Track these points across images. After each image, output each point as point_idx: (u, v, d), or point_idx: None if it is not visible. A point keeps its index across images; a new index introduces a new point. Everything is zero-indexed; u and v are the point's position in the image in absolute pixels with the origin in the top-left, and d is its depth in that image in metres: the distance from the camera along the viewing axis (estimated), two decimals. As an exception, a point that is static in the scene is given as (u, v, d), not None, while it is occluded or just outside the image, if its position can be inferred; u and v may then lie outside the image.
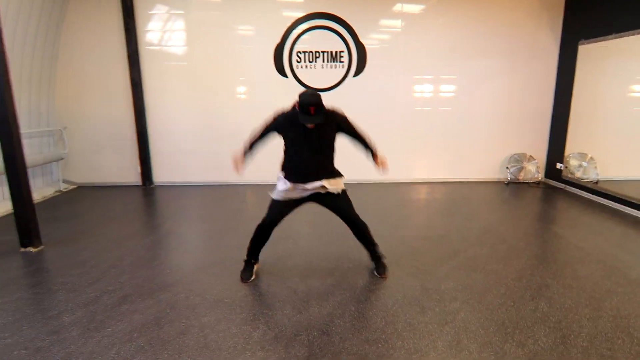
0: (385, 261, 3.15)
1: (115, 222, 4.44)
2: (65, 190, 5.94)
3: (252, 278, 3.03)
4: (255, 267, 3.12)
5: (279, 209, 2.93)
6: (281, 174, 2.92)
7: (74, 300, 2.71)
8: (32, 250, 3.61)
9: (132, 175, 6.19)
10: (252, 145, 2.93)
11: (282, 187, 2.87)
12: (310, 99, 2.57)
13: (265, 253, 3.44)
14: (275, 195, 2.92)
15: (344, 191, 2.94)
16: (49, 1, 5.21)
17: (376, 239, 3.76)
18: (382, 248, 3.53)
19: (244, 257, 3.10)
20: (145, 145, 5.99)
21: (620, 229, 4.13)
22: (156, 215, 4.76)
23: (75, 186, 6.17)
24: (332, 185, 2.86)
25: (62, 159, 5.87)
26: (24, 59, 5.10)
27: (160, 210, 5.02)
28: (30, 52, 5.18)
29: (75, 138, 6.04)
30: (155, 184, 6.24)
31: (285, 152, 2.91)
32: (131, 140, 6.04)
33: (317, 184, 2.83)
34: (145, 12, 5.70)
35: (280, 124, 2.82)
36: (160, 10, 5.71)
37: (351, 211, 2.97)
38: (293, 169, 2.87)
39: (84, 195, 5.70)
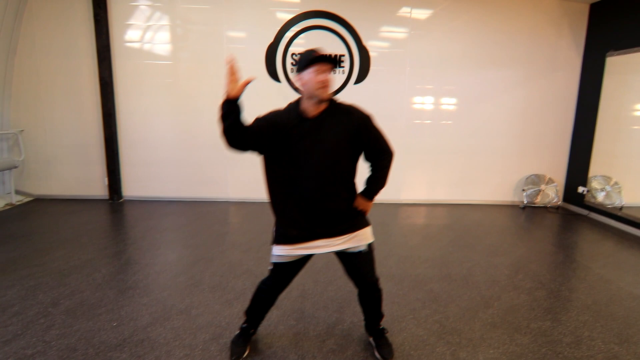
0: (389, 336, 2.25)
1: (66, 246, 3.64)
2: (18, 203, 5.11)
3: (246, 354, 2.12)
4: (252, 339, 2.23)
5: (286, 273, 2.03)
6: (273, 232, 2.00)
7: (-31, 373, 1.92)
8: (-55, 286, 2.80)
9: (98, 187, 5.37)
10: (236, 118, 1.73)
11: (278, 252, 1.97)
12: (314, 49, 1.80)
13: (246, 297, 2.70)
14: (275, 258, 1.99)
15: (370, 246, 2.01)
16: (5, -16, 4.47)
17: (385, 279, 3.07)
18: (393, 291, 2.85)
19: (242, 322, 2.20)
20: (114, 154, 5.20)
21: (672, 270, 3.48)
22: (118, 239, 3.96)
23: (31, 199, 5.33)
24: (358, 242, 1.96)
25: (15, 166, 5.04)
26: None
27: (124, 232, 4.22)
28: (-20, 42, 4.42)
29: (33, 143, 5.23)
30: (125, 198, 5.44)
31: (273, 184, 1.90)
32: (98, 148, 5.25)
33: (332, 246, 1.92)
34: (119, 3, 4.98)
35: (270, 122, 1.80)
36: (138, 2, 5.00)
37: (372, 274, 2.02)
38: (289, 215, 1.89)
39: (39, 210, 4.87)
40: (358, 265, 2.00)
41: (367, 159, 2.00)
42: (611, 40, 4.88)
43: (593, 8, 5.20)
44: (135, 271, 3.16)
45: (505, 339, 2.33)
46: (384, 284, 2.97)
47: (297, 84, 1.83)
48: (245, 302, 2.66)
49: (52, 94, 5.13)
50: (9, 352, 2.09)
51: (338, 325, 2.43)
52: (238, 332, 2.21)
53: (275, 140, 1.80)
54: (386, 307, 2.65)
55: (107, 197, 5.36)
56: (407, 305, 2.70)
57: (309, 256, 2.00)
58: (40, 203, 5.19)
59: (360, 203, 2.00)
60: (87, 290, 2.80)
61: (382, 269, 3.26)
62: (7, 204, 5.01)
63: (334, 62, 1.84)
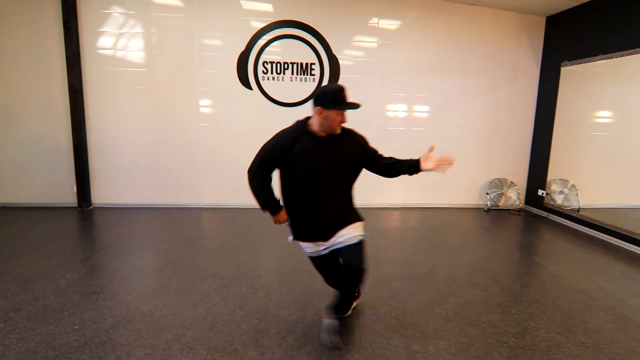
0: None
1: (32, 253, 3.61)
2: (-18, 211, 5.01)
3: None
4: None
5: (319, 266, 2.44)
6: (289, 231, 2.35)
7: None
8: None
9: (67, 195, 5.31)
10: (266, 195, 2.22)
11: (304, 247, 2.35)
12: (339, 85, 2.08)
13: (211, 299, 2.77)
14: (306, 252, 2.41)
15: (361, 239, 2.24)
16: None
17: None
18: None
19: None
20: (83, 161, 5.16)
21: (619, 267, 3.71)
22: (86, 245, 3.95)
23: (-4, 207, 5.23)
24: (352, 232, 2.21)
25: (-20, 174, 4.96)
26: None
27: (92, 239, 4.21)
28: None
29: (1, 150, 5.15)
30: (95, 205, 5.40)
31: (287, 192, 2.21)
32: (67, 155, 5.21)
33: (340, 238, 2.21)
34: (92, 11, 4.98)
35: (286, 145, 2.09)
36: (110, 9, 5.02)
37: (362, 261, 2.19)
38: (302, 219, 2.22)
39: (4, 219, 4.78)
40: (351, 254, 2.17)
41: (377, 166, 2.29)
42: (566, 51, 5.19)
43: (549, 20, 5.53)
44: (100, 276, 3.17)
45: (457, 332, 2.46)
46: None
47: (316, 114, 2.07)
48: (210, 303, 2.73)
49: (21, 101, 5.08)
50: (-33, 356, 2.09)
51: (299, 323, 2.52)
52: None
53: (286, 154, 2.09)
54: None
55: (76, 205, 5.31)
56: (368, 302, 2.81)
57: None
58: (7, 211, 5.10)
59: (433, 161, 2.13)
60: (50, 295, 2.80)
61: (347, 269, 3.37)
62: (-29, 213, 4.91)
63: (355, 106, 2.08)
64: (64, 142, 5.19)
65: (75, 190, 5.23)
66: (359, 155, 2.22)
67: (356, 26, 5.43)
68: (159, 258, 3.61)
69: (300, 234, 2.27)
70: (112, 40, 5.10)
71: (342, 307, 2.41)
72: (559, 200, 5.42)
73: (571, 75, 5.18)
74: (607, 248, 4.23)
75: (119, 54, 5.15)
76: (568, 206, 5.27)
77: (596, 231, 4.72)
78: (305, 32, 5.31)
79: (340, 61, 5.43)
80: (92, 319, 2.50)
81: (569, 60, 5.11)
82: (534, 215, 5.59)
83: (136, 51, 5.16)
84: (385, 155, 2.34)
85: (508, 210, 5.82)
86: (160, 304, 2.72)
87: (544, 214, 5.56)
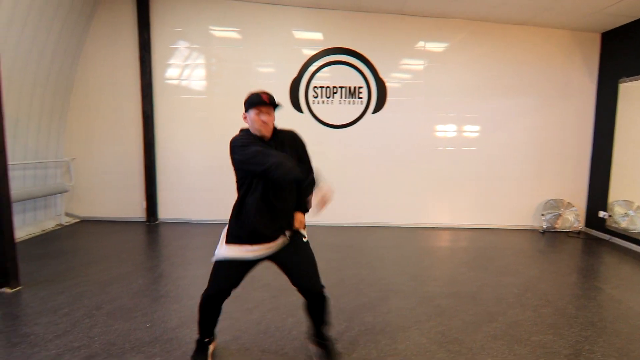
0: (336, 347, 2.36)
1: (107, 261, 4.05)
2: (66, 224, 5.66)
3: None
4: (212, 348, 2.35)
5: (225, 275, 2.21)
6: (223, 234, 2.24)
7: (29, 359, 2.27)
8: (8, 291, 3.24)
9: (137, 210, 5.88)
10: None
11: (224, 253, 2.17)
12: (260, 90, 2.09)
13: (264, 306, 2.97)
14: (217, 256, 2.20)
15: (307, 243, 2.22)
16: (67, 32, 5.19)
17: (394, 294, 3.27)
18: (401, 305, 3.03)
19: (196, 335, 2.33)
20: (152, 180, 5.71)
21: (690, 293, 3.45)
22: (153, 256, 4.35)
23: (78, 220, 5.89)
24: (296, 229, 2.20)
25: (66, 191, 5.64)
26: (36, 88, 5.00)
27: (158, 250, 4.62)
28: (44, 82, 5.10)
29: (83, 170, 5.84)
30: (161, 220, 5.90)
31: (238, 198, 2.21)
32: (139, 175, 5.79)
33: (278, 241, 2.15)
34: (162, 46, 5.62)
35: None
36: (179, 44, 5.63)
37: (314, 277, 2.16)
38: (244, 220, 2.13)
39: (84, 230, 5.39)
40: (297, 261, 2.23)
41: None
42: (623, 67, 5.00)
43: (604, 37, 5.36)
44: (167, 283, 3.51)
45: (505, 350, 2.45)
46: (393, 299, 3.17)
47: (244, 121, 2.17)
48: (263, 310, 2.94)
49: (101, 126, 5.77)
50: (60, 344, 2.44)
51: (346, 332, 2.64)
52: (195, 346, 2.30)
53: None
54: (393, 319, 2.84)
55: (144, 219, 5.84)
56: (413, 317, 2.87)
57: (253, 262, 2.22)
58: (86, 224, 5.73)
59: (319, 195, 2.03)
60: (125, 297, 3.15)
61: (393, 285, 3.46)
62: (57, 225, 5.57)
63: (273, 104, 2.09)
64: (135, 163, 5.78)
65: (145, 206, 5.77)
66: (297, 155, 2.21)
67: (403, 50, 5.61)
68: (216, 268, 3.90)
69: (241, 233, 2.16)
70: (178, 71, 5.69)
71: (322, 329, 2.29)
72: (623, 223, 5.11)
73: (632, 91, 4.96)
74: (678, 274, 3.94)
75: (184, 83, 5.72)
76: (634, 229, 4.95)
77: (666, 256, 4.40)
78: (353, 58, 5.58)
79: (387, 84, 5.62)
80: (160, 319, 2.79)
81: (627, 76, 4.91)
82: (594, 238, 5.30)
83: (198, 80, 5.71)
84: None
85: (566, 232, 5.56)
86: (218, 309, 2.96)
87: (606, 237, 5.25)
